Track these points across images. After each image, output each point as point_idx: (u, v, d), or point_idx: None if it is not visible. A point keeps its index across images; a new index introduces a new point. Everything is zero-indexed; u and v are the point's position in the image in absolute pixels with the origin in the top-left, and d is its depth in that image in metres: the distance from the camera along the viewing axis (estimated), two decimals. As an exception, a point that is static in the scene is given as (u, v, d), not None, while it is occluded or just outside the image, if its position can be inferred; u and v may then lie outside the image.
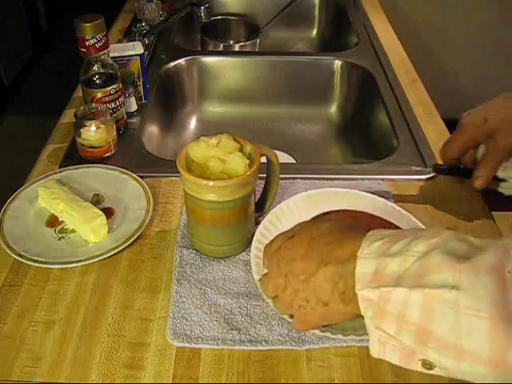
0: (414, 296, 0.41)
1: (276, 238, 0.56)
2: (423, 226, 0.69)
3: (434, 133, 0.95)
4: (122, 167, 0.82)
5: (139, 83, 1.00)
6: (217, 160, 0.65)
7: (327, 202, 0.72)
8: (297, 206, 0.72)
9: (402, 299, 0.41)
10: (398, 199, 0.79)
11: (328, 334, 0.57)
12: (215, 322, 0.61)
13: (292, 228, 0.56)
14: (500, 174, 0.70)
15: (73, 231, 0.73)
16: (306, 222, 0.57)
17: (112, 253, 0.69)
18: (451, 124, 0.83)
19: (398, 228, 0.65)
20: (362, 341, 0.58)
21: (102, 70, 0.87)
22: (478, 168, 0.69)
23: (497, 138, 0.67)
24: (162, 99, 1.13)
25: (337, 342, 0.59)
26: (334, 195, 0.74)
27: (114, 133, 0.87)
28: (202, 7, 1.19)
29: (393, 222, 0.67)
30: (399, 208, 0.72)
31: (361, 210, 0.70)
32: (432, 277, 0.40)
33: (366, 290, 0.44)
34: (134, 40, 1.12)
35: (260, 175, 0.67)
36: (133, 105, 0.98)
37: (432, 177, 0.84)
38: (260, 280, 0.57)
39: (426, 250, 0.42)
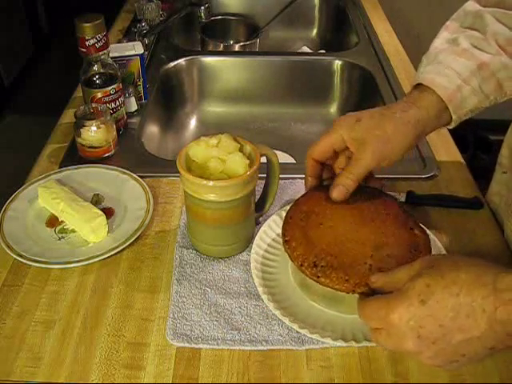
0: None
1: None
2: (430, 233, 0.69)
3: (434, 133, 0.94)
4: (121, 167, 0.82)
5: (139, 83, 1.00)
6: (217, 160, 0.65)
7: None
8: None
9: None
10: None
11: (328, 340, 0.57)
12: (215, 322, 0.61)
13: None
14: None
15: (73, 231, 0.73)
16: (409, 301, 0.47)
17: (112, 253, 0.69)
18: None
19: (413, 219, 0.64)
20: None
21: (102, 70, 0.87)
22: (339, 175, 0.62)
23: (367, 146, 0.60)
24: (162, 99, 1.13)
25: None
26: None
27: (114, 133, 0.87)
28: (202, 7, 1.19)
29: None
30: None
31: None
32: None
33: None
34: (134, 40, 1.12)
35: (260, 175, 0.67)
36: (133, 105, 0.98)
37: (432, 176, 0.84)
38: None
39: None
